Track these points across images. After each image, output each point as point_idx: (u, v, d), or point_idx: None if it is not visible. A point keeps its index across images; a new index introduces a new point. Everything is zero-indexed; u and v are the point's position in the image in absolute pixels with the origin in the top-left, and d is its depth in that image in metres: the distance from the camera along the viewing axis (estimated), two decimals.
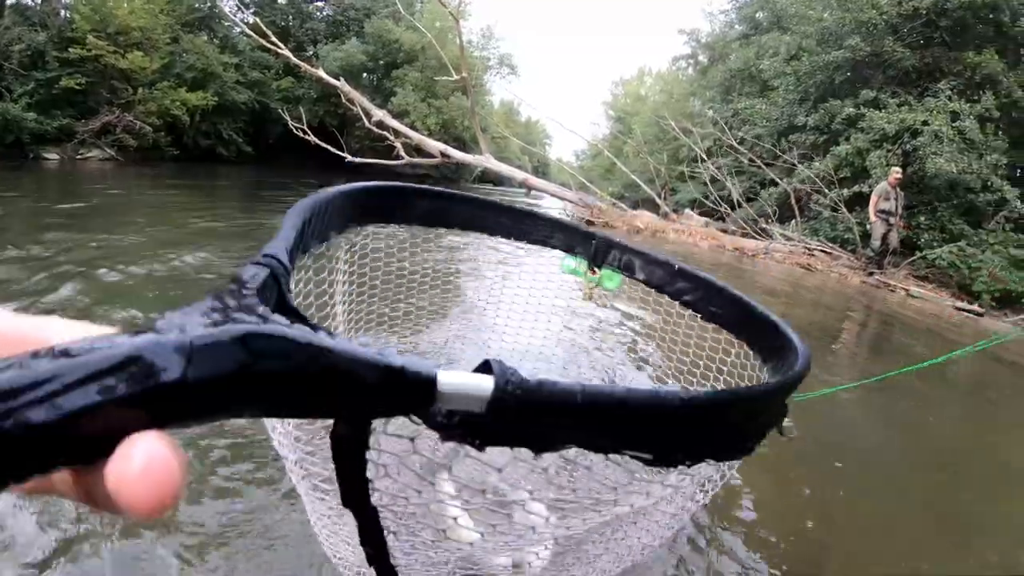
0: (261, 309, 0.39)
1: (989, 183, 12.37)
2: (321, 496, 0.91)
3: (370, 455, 0.56)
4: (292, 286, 0.66)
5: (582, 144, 48.91)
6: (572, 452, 0.55)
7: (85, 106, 18.54)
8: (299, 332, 0.37)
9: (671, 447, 0.57)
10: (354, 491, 0.61)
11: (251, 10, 27.57)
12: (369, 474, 0.59)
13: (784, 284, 10.25)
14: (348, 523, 0.80)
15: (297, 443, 0.88)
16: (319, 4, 32.18)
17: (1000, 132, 13.02)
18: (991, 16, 14.15)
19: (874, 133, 13.84)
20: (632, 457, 0.56)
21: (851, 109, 14.67)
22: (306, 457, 0.87)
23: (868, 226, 12.07)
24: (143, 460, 0.28)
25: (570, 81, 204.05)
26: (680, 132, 18.31)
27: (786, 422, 0.81)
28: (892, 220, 11.70)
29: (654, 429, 0.54)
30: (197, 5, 23.51)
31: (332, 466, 0.57)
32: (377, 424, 0.52)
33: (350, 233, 1.27)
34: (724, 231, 15.57)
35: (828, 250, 13.65)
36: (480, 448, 0.49)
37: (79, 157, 17.87)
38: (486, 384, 0.44)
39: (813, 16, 16.90)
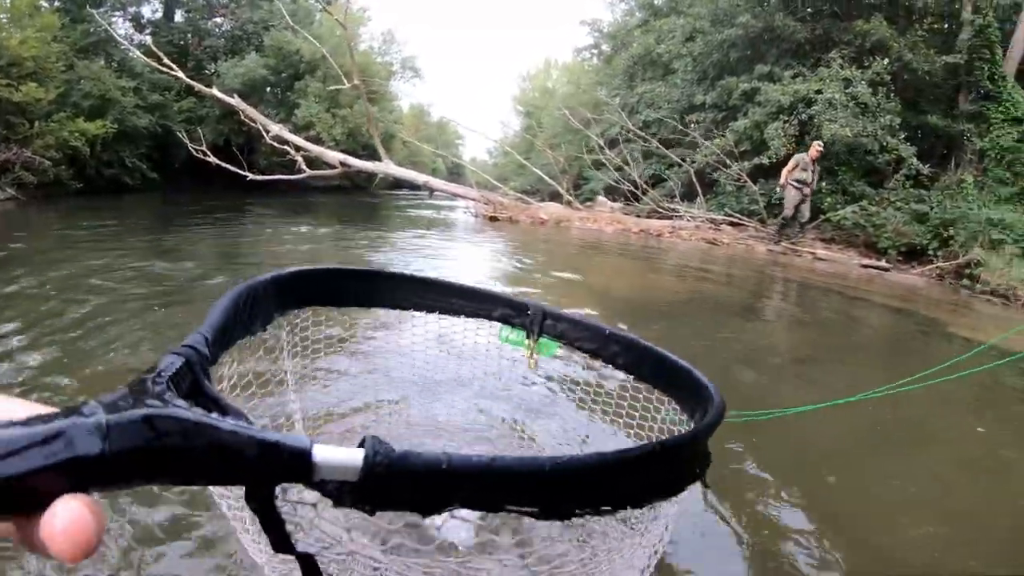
0: (168, 395, 0.48)
1: (885, 144, 12.78)
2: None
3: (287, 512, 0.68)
4: (223, 365, 0.86)
5: (495, 143, 48.84)
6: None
7: None
8: (192, 414, 0.45)
9: (557, 502, 0.64)
10: (280, 541, 0.65)
11: (148, 31, 26.35)
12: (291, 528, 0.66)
13: (693, 260, 10.16)
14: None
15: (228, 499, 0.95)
16: (217, 20, 30.84)
17: (893, 95, 13.50)
18: None
19: (770, 106, 14.21)
20: (518, 512, 0.62)
21: (747, 85, 15.06)
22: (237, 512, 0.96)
23: (778, 191, 12.07)
24: (64, 520, 0.35)
25: (480, 79, 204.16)
26: (580, 123, 18.40)
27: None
28: (806, 191, 11.82)
29: (532, 489, 0.62)
30: (92, 29, 22.17)
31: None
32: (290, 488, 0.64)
33: (284, 320, 1.32)
34: (635, 215, 15.46)
35: (736, 221, 13.82)
36: (371, 513, 0.57)
37: None
38: (356, 456, 0.52)
39: None
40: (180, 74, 16.04)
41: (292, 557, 0.71)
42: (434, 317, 1.66)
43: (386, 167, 16.48)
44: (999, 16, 13.61)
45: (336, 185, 26.60)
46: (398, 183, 23.00)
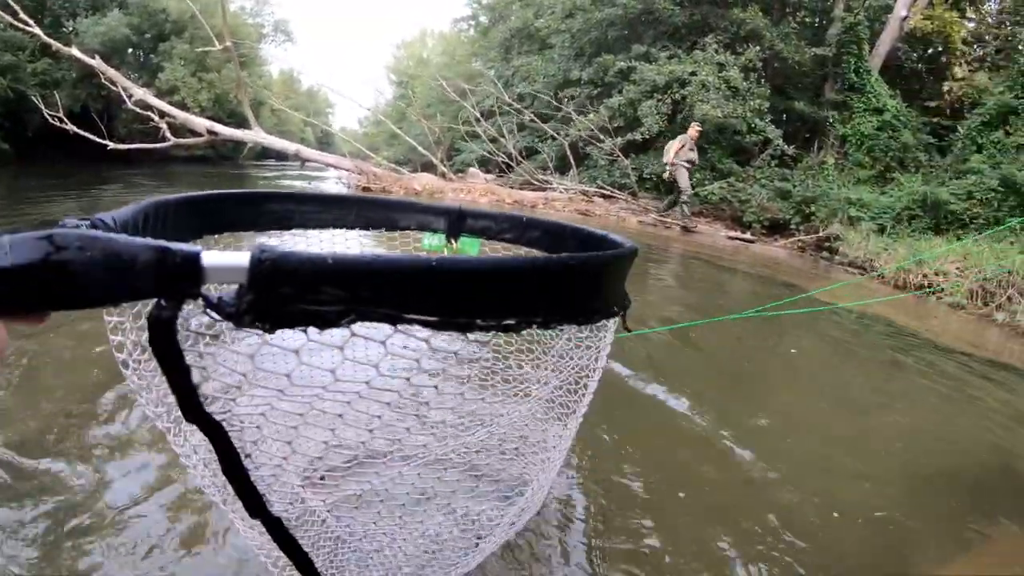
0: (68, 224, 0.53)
1: (753, 126, 13.11)
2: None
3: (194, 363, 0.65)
4: None
5: (367, 112, 47.30)
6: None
7: None
8: (89, 230, 0.49)
9: (454, 307, 0.63)
10: (187, 401, 0.67)
11: None
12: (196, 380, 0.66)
13: None
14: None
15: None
16: None
17: (763, 80, 13.98)
18: None
19: (645, 85, 14.22)
20: (417, 322, 0.62)
21: (623, 63, 15.03)
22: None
23: (668, 170, 11.64)
24: None
25: (353, 46, 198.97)
26: (456, 94, 17.85)
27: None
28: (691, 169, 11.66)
29: (424, 289, 0.61)
30: None
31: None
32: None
33: (209, 240, 1.24)
34: (509, 186, 15.03)
35: (608, 193, 13.60)
36: (271, 331, 0.57)
37: None
38: (243, 257, 0.53)
39: None
40: (37, 30, 14.07)
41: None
42: (355, 233, 1.61)
43: (255, 135, 15.29)
44: (869, 16, 14.22)
45: (200, 155, 25.14)
46: (265, 153, 21.67)
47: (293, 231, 1.48)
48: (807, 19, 16.29)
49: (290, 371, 0.74)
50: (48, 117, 13.45)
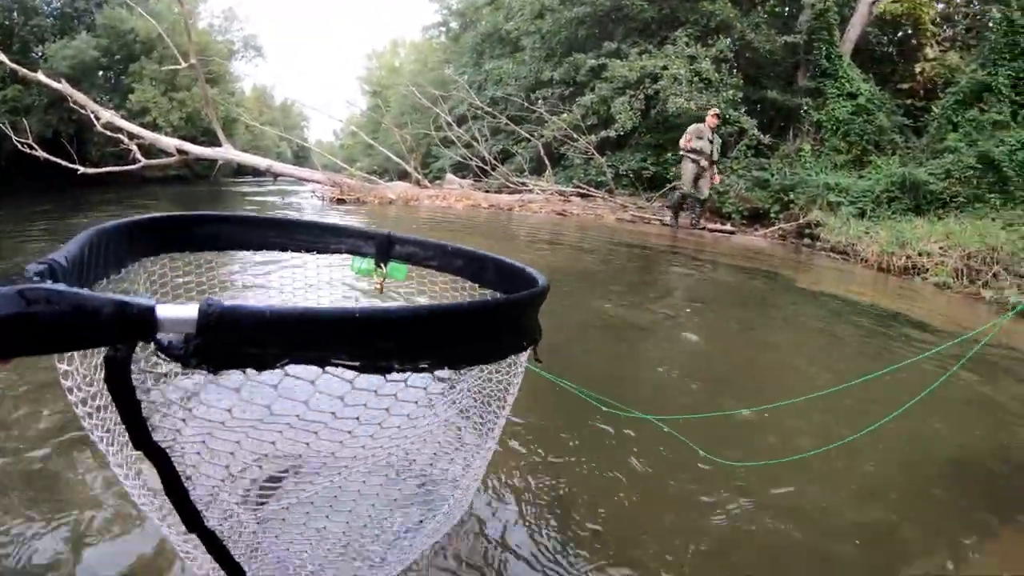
0: (35, 280, 0.61)
1: (728, 116, 12.88)
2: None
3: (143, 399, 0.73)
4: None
5: (342, 124, 47.16)
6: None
7: None
8: (56, 286, 0.55)
9: (374, 354, 0.71)
10: (137, 432, 0.73)
11: None
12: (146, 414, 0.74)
13: (545, 233, 9.45)
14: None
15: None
16: None
17: (735, 71, 13.92)
18: None
19: (617, 81, 14.11)
20: (343, 366, 0.70)
21: (594, 61, 14.95)
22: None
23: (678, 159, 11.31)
24: None
25: (325, 59, 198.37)
26: (428, 101, 17.59)
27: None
28: (703, 163, 10.47)
29: (348, 338, 0.69)
30: None
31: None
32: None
33: (146, 262, 1.29)
34: (485, 190, 14.86)
35: (585, 192, 13.46)
36: (215, 372, 0.64)
37: None
38: (192, 310, 0.60)
39: None
40: (3, 58, 13.92)
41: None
42: (287, 255, 1.64)
43: (226, 152, 15.08)
44: (839, 1, 14.11)
45: (176, 175, 24.39)
46: (241, 170, 21.27)
47: (226, 252, 1.51)
48: (776, 8, 16.30)
49: (230, 407, 0.81)
50: (18, 144, 13.22)
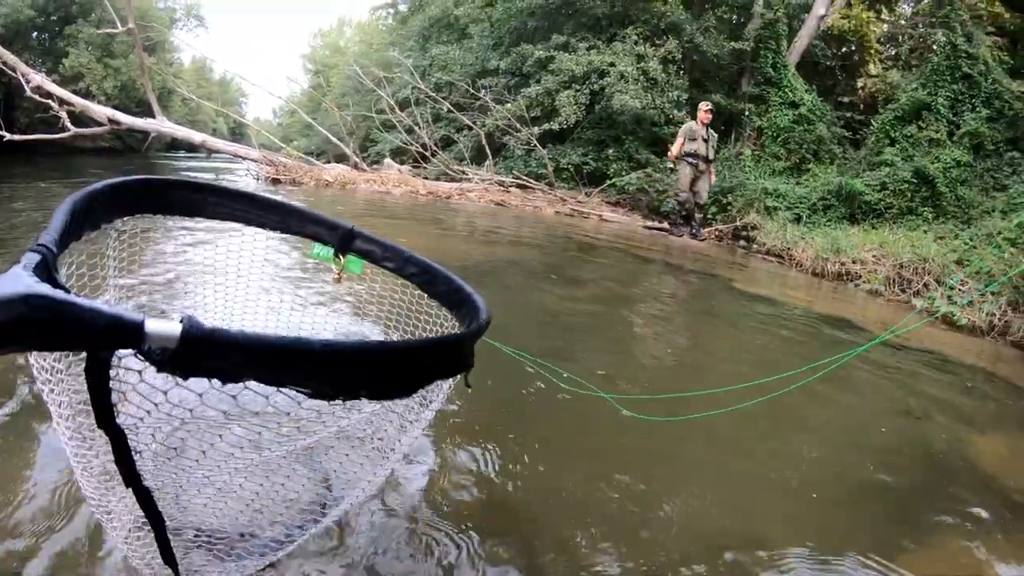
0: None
1: (671, 116, 13.01)
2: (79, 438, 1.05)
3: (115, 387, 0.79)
4: (63, 266, 0.96)
5: (282, 101, 46.03)
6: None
7: None
8: (58, 294, 0.60)
9: (324, 384, 0.80)
10: (103, 414, 0.80)
11: None
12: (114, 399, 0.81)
13: (483, 222, 9.13)
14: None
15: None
16: None
17: (682, 73, 13.93)
18: None
19: (563, 75, 13.89)
20: (296, 390, 0.79)
21: (542, 53, 14.70)
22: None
23: (670, 167, 10.99)
24: None
25: (270, 34, 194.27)
26: (372, 83, 17.12)
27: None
28: (701, 166, 9.85)
29: (305, 369, 0.76)
30: None
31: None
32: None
33: (118, 223, 1.36)
34: (424, 177, 14.47)
35: (525, 184, 13.18)
36: (184, 377, 0.71)
37: None
38: (176, 328, 0.66)
39: None
40: None
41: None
42: (252, 230, 1.66)
43: (160, 124, 14.21)
44: (788, 13, 14.28)
45: (107, 146, 23.57)
46: (175, 144, 20.39)
47: (198, 218, 1.54)
48: (726, 14, 16.36)
49: (192, 407, 0.91)
50: None
